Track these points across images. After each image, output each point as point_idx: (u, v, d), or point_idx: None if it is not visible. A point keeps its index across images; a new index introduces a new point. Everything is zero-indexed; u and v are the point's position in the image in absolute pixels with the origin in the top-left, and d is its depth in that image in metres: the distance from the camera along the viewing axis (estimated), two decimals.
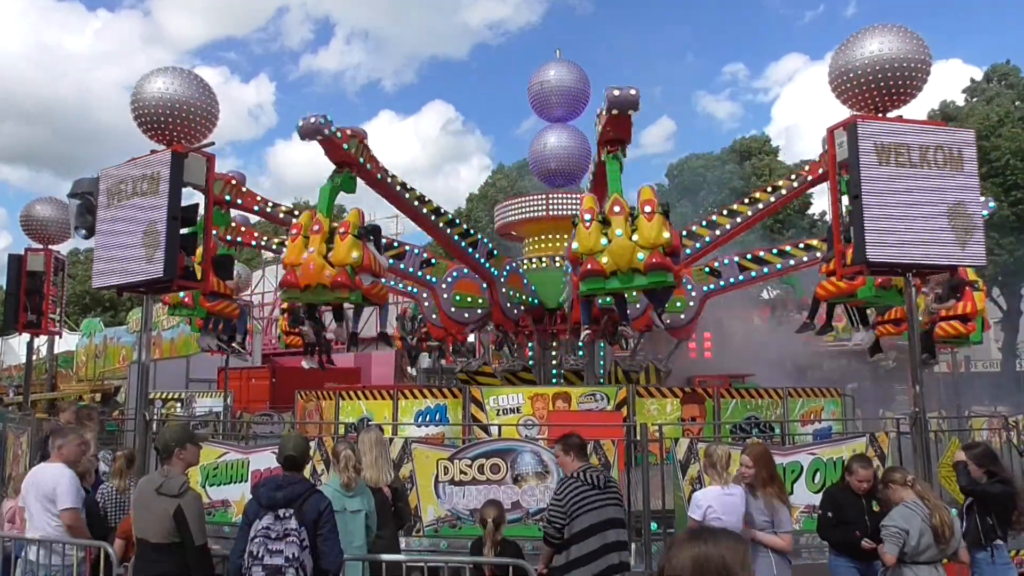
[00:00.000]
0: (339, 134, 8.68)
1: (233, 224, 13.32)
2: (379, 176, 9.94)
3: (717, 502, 5.22)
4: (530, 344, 15.21)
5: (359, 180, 9.43)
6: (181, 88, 8.13)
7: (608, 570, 4.81)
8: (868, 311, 10.97)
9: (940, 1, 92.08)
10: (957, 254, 7.09)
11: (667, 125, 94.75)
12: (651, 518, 7.20)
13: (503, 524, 5.37)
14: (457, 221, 12.47)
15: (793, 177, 11.80)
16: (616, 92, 7.98)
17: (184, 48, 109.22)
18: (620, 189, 8.11)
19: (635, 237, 7.62)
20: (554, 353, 14.97)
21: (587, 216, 7.82)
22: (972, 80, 34.03)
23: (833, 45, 7.84)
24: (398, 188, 10.58)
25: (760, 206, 11.96)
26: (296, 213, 12.08)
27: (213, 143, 8.35)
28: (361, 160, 9.22)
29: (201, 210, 8.09)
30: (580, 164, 16.57)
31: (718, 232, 12.45)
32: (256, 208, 12.00)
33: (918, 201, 6.97)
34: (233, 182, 11.50)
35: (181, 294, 10.85)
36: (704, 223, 12.96)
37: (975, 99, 32.45)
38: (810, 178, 10.84)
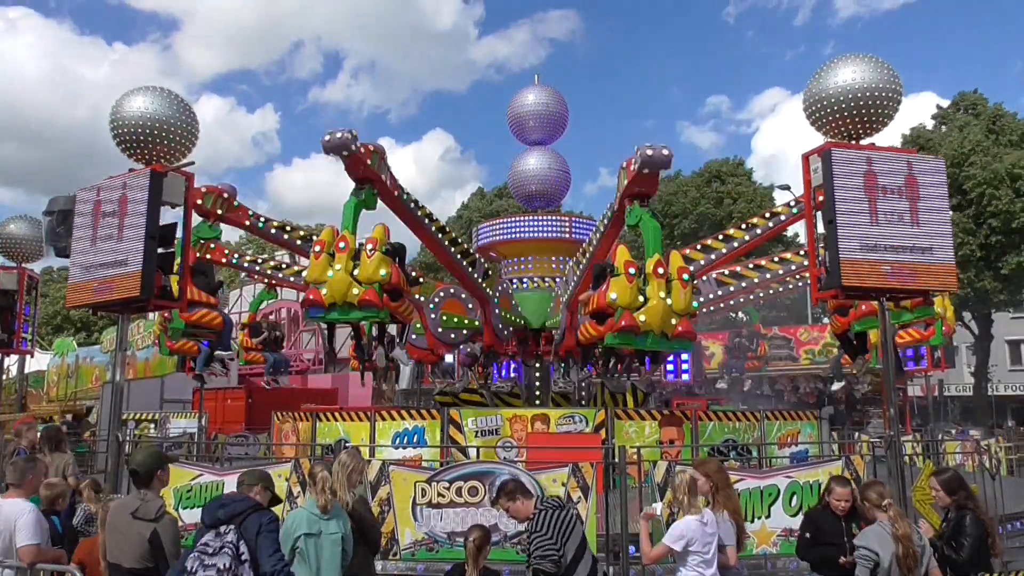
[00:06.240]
0: (362, 149, 8.58)
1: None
2: (396, 193, 9.82)
3: (698, 533, 5.12)
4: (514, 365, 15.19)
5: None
6: (160, 107, 8.07)
7: None
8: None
9: (915, 37, 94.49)
10: (929, 279, 7.23)
11: None
12: (629, 541, 7.17)
13: (486, 547, 5.30)
14: (459, 240, 12.33)
15: (768, 215, 11.80)
16: (649, 152, 8.18)
17: (198, 79, 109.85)
18: (660, 249, 8.42)
19: (670, 302, 8.08)
20: (538, 374, 14.91)
21: (631, 270, 8.08)
22: (938, 107, 34.61)
23: None
24: (412, 205, 10.48)
25: (735, 244, 11.94)
26: (288, 229, 11.92)
27: (193, 162, 8.31)
28: (383, 176, 9.10)
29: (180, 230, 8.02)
30: (559, 187, 16.63)
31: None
32: (247, 223, 11.73)
33: (890, 226, 7.12)
34: (224, 195, 11.14)
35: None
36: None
37: (944, 127, 32.95)
38: (784, 217, 10.88)
